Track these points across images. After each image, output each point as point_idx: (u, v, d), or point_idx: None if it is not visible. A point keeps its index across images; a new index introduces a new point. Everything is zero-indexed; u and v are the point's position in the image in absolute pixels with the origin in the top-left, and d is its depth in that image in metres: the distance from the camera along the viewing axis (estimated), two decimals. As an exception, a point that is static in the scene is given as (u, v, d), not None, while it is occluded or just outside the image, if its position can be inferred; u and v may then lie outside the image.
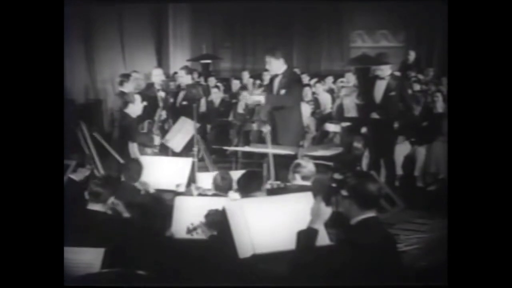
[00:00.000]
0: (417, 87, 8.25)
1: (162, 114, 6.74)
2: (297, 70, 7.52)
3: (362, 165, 6.09)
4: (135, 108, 5.88)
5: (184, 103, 6.78)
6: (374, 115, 5.99)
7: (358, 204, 2.64)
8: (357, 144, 6.02)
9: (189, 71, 7.17)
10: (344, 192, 2.67)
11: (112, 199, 3.47)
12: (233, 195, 3.93)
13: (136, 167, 4.53)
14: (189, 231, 3.55)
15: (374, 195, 2.67)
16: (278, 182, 4.75)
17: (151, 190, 4.57)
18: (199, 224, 3.49)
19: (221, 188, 4.16)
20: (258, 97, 5.48)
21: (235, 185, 4.07)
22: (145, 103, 6.01)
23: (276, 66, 5.46)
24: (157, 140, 6.02)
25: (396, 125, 6.13)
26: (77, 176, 4.55)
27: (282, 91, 5.45)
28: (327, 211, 2.75)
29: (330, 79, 9.77)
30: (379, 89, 5.96)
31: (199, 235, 3.52)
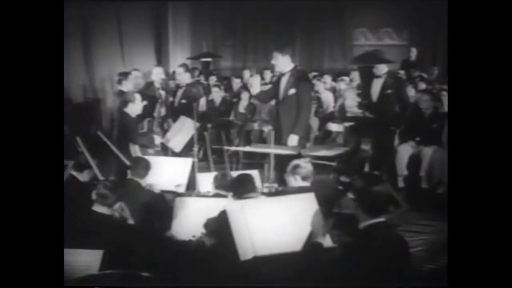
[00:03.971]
0: (422, 86, 8.19)
1: (161, 111, 6.69)
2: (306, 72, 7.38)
3: (365, 166, 6.02)
4: (135, 108, 5.82)
5: (183, 101, 6.73)
6: (371, 114, 5.93)
7: (366, 208, 2.63)
8: (365, 146, 5.96)
9: (188, 68, 7.09)
10: (350, 195, 2.64)
11: (119, 204, 3.42)
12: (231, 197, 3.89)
13: (144, 164, 4.48)
14: (192, 243, 3.52)
15: (383, 198, 2.66)
16: (275, 185, 4.70)
17: (156, 190, 4.52)
18: (200, 235, 3.46)
19: (223, 186, 4.11)
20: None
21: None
22: (145, 102, 5.95)
23: (283, 63, 5.38)
24: (157, 139, 5.96)
25: (397, 125, 6.08)
26: (83, 177, 4.50)
27: (292, 91, 5.36)
28: (328, 224, 2.77)
29: (328, 78, 9.73)
30: (376, 87, 5.91)
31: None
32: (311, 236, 2.74)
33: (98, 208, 3.37)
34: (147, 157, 4.82)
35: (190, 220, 3.69)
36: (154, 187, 4.50)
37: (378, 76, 5.91)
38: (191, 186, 5.01)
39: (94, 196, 3.38)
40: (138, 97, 5.85)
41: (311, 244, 2.73)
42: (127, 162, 4.91)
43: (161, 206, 4.22)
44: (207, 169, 6.28)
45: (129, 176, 4.41)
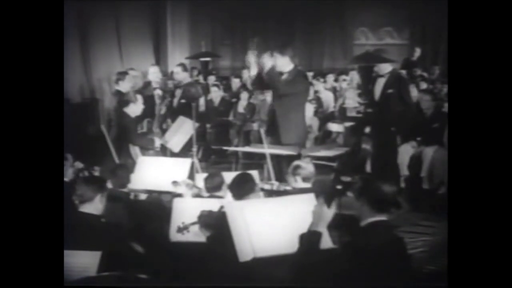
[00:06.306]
0: (423, 85, 8.17)
1: (161, 108, 6.67)
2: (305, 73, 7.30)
3: (367, 166, 6.00)
4: (136, 108, 5.80)
5: (182, 101, 6.70)
6: (373, 113, 5.91)
7: (370, 206, 2.64)
8: (366, 146, 5.92)
9: (186, 68, 7.06)
10: (350, 194, 2.63)
11: (99, 196, 3.37)
12: (230, 196, 3.85)
13: (124, 173, 4.42)
14: (180, 229, 3.47)
15: (387, 197, 2.66)
16: (277, 183, 4.67)
17: (142, 193, 4.48)
18: (190, 224, 3.41)
19: (210, 188, 4.07)
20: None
21: (226, 186, 3.99)
22: (142, 101, 5.93)
23: (283, 64, 5.34)
24: (157, 142, 5.93)
25: (399, 125, 6.05)
26: (68, 176, 4.45)
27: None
28: (329, 214, 2.72)
29: (331, 77, 9.72)
30: (379, 86, 5.88)
31: (192, 235, 3.43)
32: (311, 225, 2.71)
33: (83, 208, 3.31)
34: (126, 164, 4.78)
35: (189, 220, 3.65)
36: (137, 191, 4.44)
37: (381, 76, 5.88)
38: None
39: (75, 199, 3.34)
40: (139, 97, 5.83)
41: (309, 234, 2.70)
42: (117, 160, 4.87)
43: (153, 208, 4.20)
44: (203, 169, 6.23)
45: (110, 186, 4.35)
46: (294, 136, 5.33)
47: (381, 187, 2.66)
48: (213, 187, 4.07)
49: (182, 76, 6.87)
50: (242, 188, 3.68)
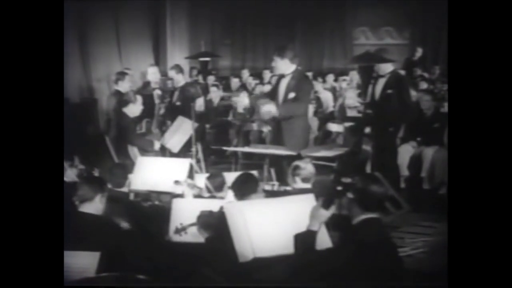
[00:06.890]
0: (424, 85, 8.18)
1: (161, 107, 6.66)
2: (307, 74, 7.23)
3: (366, 166, 5.99)
4: (135, 108, 5.79)
5: (178, 103, 6.68)
6: (372, 113, 5.90)
7: (362, 205, 2.65)
8: (366, 147, 5.92)
9: (180, 69, 7.03)
10: (349, 195, 2.66)
11: (99, 197, 3.36)
12: (230, 196, 3.84)
13: (120, 172, 4.41)
14: (178, 230, 3.47)
15: (379, 197, 2.68)
16: (277, 183, 4.66)
17: (141, 190, 4.47)
18: (189, 225, 3.41)
19: (211, 189, 4.07)
20: (269, 107, 5.23)
21: (228, 186, 3.98)
22: (141, 101, 5.93)
23: (283, 66, 5.30)
24: (157, 145, 5.92)
25: (398, 125, 6.05)
26: (67, 176, 4.44)
27: (291, 94, 5.28)
28: (325, 214, 2.73)
29: (331, 77, 9.73)
30: (379, 86, 5.87)
31: (191, 236, 3.43)
32: (307, 226, 2.72)
33: (83, 208, 3.30)
34: (123, 163, 4.77)
35: (187, 221, 3.64)
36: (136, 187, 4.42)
37: (382, 76, 5.86)
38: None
39: (75, 200, 3.34)
40: (139, 98, 5.83)
41: (303, 234, 2.71)
42: (116, 159, 4.86)
43: (152, 207, 4.20)
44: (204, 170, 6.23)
45: (109, 186, 4.35)
46: (299, 140, 5.30)
47: (373, 188, 2.67)
48: (214, 187, 4.06)
49: (177, 79, 6.84)
50: (245, 188, 3.66)
